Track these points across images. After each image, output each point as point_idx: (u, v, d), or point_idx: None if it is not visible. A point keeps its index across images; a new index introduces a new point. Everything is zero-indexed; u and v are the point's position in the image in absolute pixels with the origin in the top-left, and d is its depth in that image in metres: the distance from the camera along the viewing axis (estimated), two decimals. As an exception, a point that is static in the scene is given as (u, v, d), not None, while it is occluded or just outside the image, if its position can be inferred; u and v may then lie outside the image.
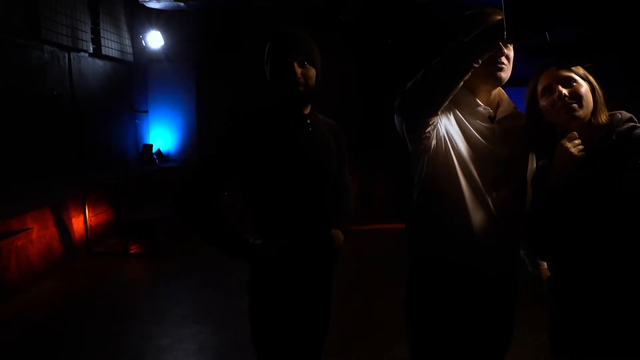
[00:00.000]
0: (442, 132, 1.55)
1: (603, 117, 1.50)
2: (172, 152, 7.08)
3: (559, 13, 1.12)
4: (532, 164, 1.68)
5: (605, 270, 1.46)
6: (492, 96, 1.62)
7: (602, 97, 1.51)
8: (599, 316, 1.48)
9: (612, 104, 1.53)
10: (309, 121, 1.75)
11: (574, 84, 1.49)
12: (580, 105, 1.47)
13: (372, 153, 6.59)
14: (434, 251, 1.63)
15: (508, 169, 1.59)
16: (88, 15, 5.46)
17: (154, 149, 6.86)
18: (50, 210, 4.78)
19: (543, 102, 1.52)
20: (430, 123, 1.47)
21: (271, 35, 1.72)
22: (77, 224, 5.25)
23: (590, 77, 1.51)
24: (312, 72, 1.68)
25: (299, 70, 1.64)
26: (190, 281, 4.60)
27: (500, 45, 1.45)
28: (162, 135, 7.06)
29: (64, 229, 4.99)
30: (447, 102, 1.43)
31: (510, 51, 1.54)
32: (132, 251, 5.42)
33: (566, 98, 1.47)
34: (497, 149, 1.57)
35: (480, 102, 1.59)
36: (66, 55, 5.08)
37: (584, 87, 1.49)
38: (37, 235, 4.54)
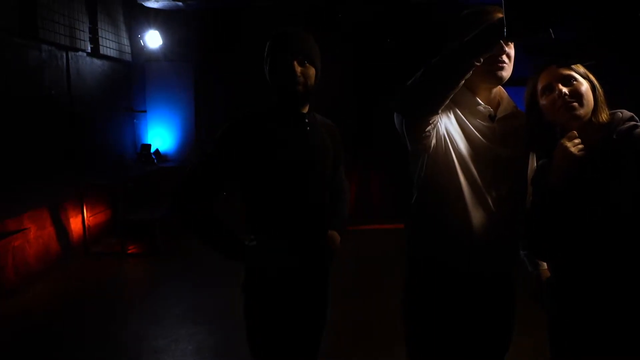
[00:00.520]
0: (442, 131, 1.53)
1: (604, 116, 1.48)
2: (171, 152, 7.06)
3: (559, 11, 1.11)
4: (533, 163, 1.67)
5: (606, 270, 1.45)
6: (493, 95, 1.60)
7: (602, 95, 1.50)
8: (599, 316, 1.47)
9: (613, 102, 1.52)
10: (307, 121, 1.73)
11: (574, 82, 1.47)
12: (581, 104, 1.46)
13: (370, 152, 6.59)
14: (433, 251, 1.62)
15: (508, 168, 1.57)
16: (86, 15, 5.45)
17: (153, 149, 6.84)
18: (47, 211, 4.76)
19: (543, 101, 1.51)
20: (431, 122, 1.46)
21: (271, 34, 1.71)
22: (75, 224, 5.23)
23: (591, 76, 1.50)
24: (312, 71, 1.67)
25: (298, 69, 1.63)
26: (188, 281, 4.58)
27: (501, 44, 1.43)
28: (161, 135, 7.04)
29: (61, 229, 4.97)
30: (447, 102, 1.41)
31: (511, 49, 1.52)
32: (130, 251, 5.40)
33: (566, 97, 1.46)
34: (497, 148, 1.56)
35: (480, 101, 1.57)
36: (64, 54, 5.06)
37: (585, 86, 1.47)
38: (34, 235, 4.52)
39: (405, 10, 6.46)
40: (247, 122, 1.68)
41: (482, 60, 1.32)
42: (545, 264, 1.76)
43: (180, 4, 6.39)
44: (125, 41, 6.40)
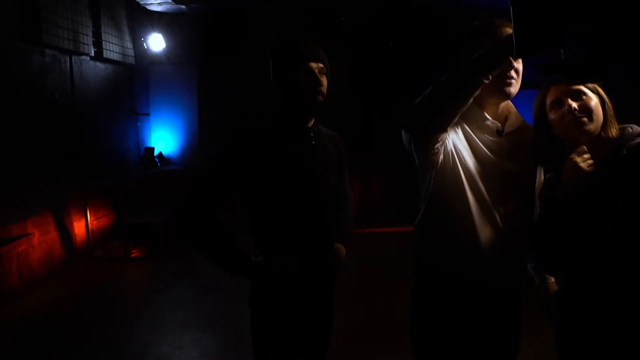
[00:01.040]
0: (450, 146, 1.53)
1: (613, 131, 1.47)
2: (174, 154, 7.07)
3: (570, 30, 1.10)
4: (540, 176, 1.66)
5: (615, 284, 1.44)
6: (500, 109, 1.59)
7: (612, 110, 1.48)
8: (608, 330, 1.46)
9: (621, 116, 1.51)
10: (312, 134, 1.72)
11: (584, 97, 1.46)
12: (590, 119, 1.45)
13: (371, 155, 6.57)
14: (440, 264, 1.61)
15: (516, 183, 1.56)
16: (89, 18, 5.44)
17: (156, 152, 6.84)
18: (51, 215, 4.77)
19: (552, 116, 1.49)
20: (439, 139, 1.45)
21: (289, 41, 1.65)
22: (79, 227, 5.23)
23: (600, 90, 1.49)
24: (326, 82, 1.66)
25: (323, 80, 1.61)
26: (191, 285, 4.58)
27: (510, 60, 1.42)
28: (164, 138, 7.04)
29: (65, 233, 4.97)
30: (456, 119, 1.40)
31: (519, 65, 1.51)
32: (133, 255, 5.41)
33: (576, 112, 1.44)
34: (505, 163, 1.55)
35: (488, 116, 1.56)
36: (67, 58, 5.06)
37: (594, 101, 1.46)
38: (38, 240, 4.52)
39: (406, 13, 6.44)
40: (251, 136, 1.66)
41: (490, 77, 1.31)
42: (552, 278, 1.76)
43: (183, 6, 6.39)
44: (129, 44, 6.40)
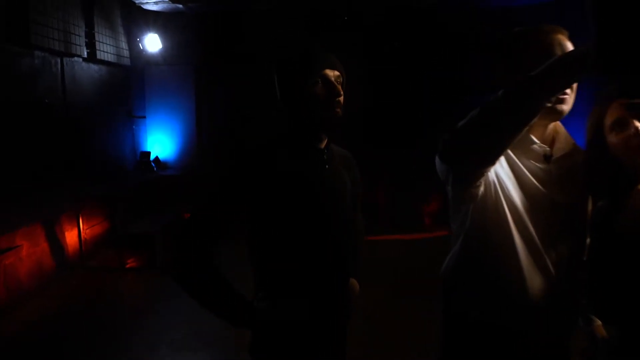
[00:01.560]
0: (492, 176, 1.29)
1: (685, 158, 1.25)
2: (171, 159, 6.84)
3: None
4: (589, 206, 1.43)
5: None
6: (548, 131, 1.36)
7: None
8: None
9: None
10: (325, 157, 1.48)
11: None
12: (660, 144, 1.23)
13: (377, 160, 6.36)
14: (479, 309, 1.38)
15: (567, 219, 1.34)
16: (82, 18, 5.21)
17: (152, 157, 6.60)
18: (41, 226, 4.53)
19: (612, 138, 1.27)
20: (484, 173, 1.21)
21: (298, 50, 1.43)
22: (71, 237, 4.99)
23: None
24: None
25: (341, 90, 1.39)
26: (187, 299, 4.34)
27: None
28: (161, 141, 6.80)
29: (56, 244, 4.74)
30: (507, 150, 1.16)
31: None
32: (128, 265, 5.17)
33: None
34: (553, 193, 1.32)
35: (535, 139, 1.33)
36: (58, 60, 4.83)
37: (665, 123, 1.24)
38: (26, 252, 4.29)
39: (410, 13, 6.27)
40: (258, 160, 1.40)
41: (553, 100, 1.07)
42: (599, 320, 1.54)
43: (180, 6, 6.18)
44: (124, 45, 6.17)
